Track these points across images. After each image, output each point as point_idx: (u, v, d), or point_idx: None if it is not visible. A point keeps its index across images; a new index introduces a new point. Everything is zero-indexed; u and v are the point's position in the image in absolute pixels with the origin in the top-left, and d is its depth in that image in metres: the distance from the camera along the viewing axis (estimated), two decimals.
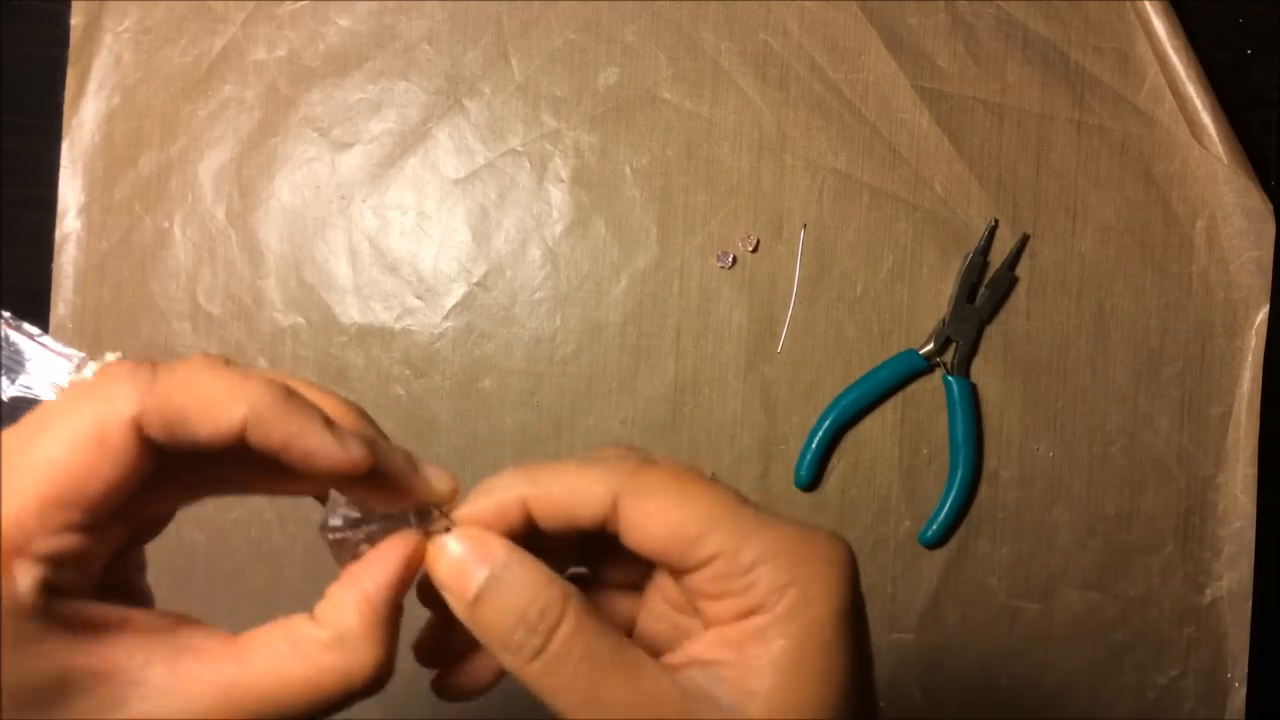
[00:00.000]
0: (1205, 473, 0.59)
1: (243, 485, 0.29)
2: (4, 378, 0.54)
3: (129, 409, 0.24)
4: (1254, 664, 0.58)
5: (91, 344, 0.58)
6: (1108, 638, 0.58)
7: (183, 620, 0.26)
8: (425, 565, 0.28)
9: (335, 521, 0.28)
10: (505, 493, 0.28)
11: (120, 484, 0.24)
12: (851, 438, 0.58)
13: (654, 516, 0.27)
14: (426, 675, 0.33)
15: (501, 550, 0.27)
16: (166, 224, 0.58)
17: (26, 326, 0.59)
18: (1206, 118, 0.58)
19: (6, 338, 0.53)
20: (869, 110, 0.59)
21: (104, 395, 0.25)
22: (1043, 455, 0.59)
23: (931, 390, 0.58)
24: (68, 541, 0.24)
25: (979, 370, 0.58)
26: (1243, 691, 0.58)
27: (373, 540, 0.28)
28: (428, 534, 0.28)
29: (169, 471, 0.26)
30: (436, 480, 0.28)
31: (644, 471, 0.28)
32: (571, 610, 0.26)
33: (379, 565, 0.27)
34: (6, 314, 0.51)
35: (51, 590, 0.24)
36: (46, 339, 0.59)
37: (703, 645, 0.27)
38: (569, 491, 0.28)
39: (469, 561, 0.27)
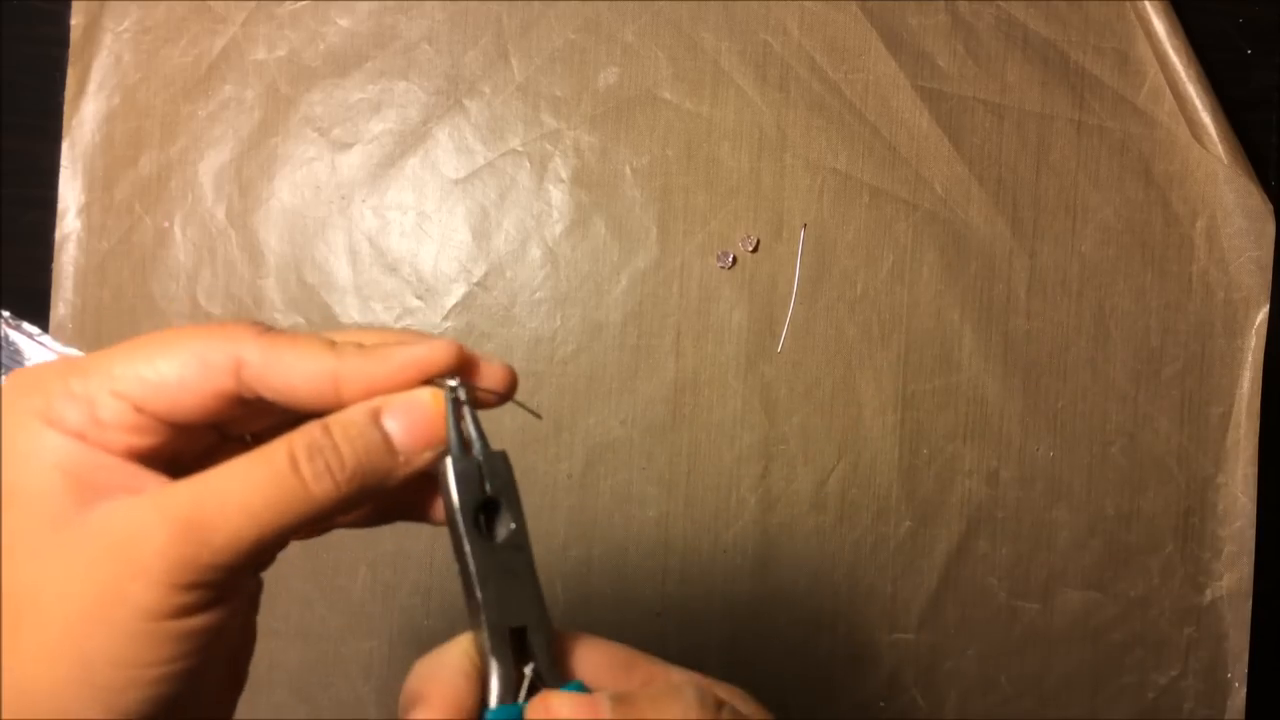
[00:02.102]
0: (1205, 473, 0.59)
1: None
2: (4, 377, 0.54)
3: (234, 346, 0.28)
4: (1254, 664, 0.58)
5: (91, 344, 0.58)
6: (1108, 638, 0.58)
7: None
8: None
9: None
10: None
11: (203, 404, 0.27)
12: (852, 438, 0.58)
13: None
14: None
15: None
16: (166, 224, 0.58)
17: (26, 326, 0.60)
18: (1206, 118, 0.58)
19: (6, 337, 0.54)
20: (869, 110, 0.59)
21: (214, 333, 0.28)
22: (1043, 455, 0.59)
23: (931, 391, 0.58)
24: (127, 415, 0.27)
25: (979, 370, 0.58)
26: (1243, 691, 0.58)
27: None
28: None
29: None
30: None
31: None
32: None
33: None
34: (6, 314, 0.51)
35: (86, 439, 0.26)
36: (46, 339, 0.59)
37: None
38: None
39: None
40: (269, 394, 0.27)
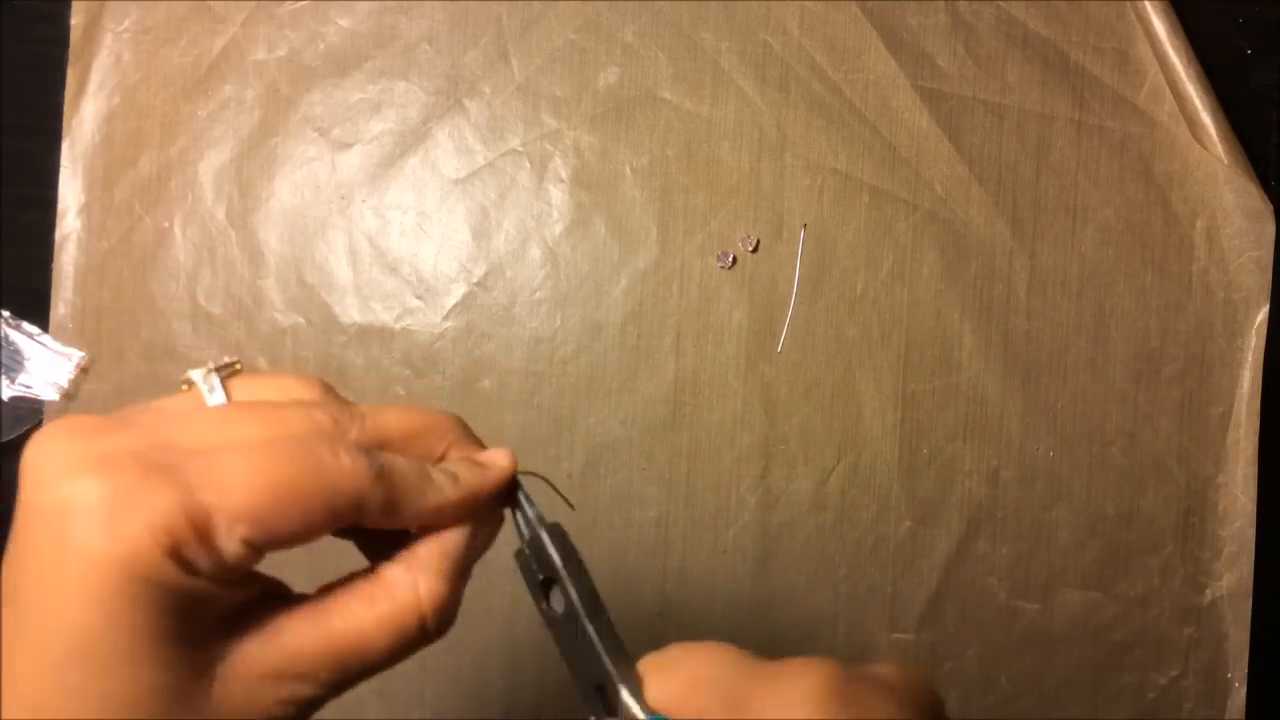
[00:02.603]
0: (1205, 473, 0.59)
1: None
2: (4, 377, 0.54)
3: (359, 484, 0.27)
4: (1254, 664, 0.58)
5: (91, 344, 0.58)
6: (1108, 638, 0.58)
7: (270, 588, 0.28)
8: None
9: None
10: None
11: (319, 530, 0.27)
12: (852, 437, 0.58)
13: None
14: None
15: None
16: (166, 224, 0.58)
17: (26, 326, 0.60)
18: (1206, 118, 0.58)
19: (6, 337, 0.53)
20: (869, 110, 0.59)
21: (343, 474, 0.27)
22: (1043, 455, 0.59)
23: (930, 391, 0.58)
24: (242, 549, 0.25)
25: (979, 370, 0.58)
26: (1243, 691, 0.58)
27: None
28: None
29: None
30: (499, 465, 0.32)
31: None
32: None
33: (456, 531, 0.30)
34: (6, 314, 0.51)
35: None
36: (46, 338, 0.59)
37: None
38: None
39: None
40: (404, 523, 0.29)
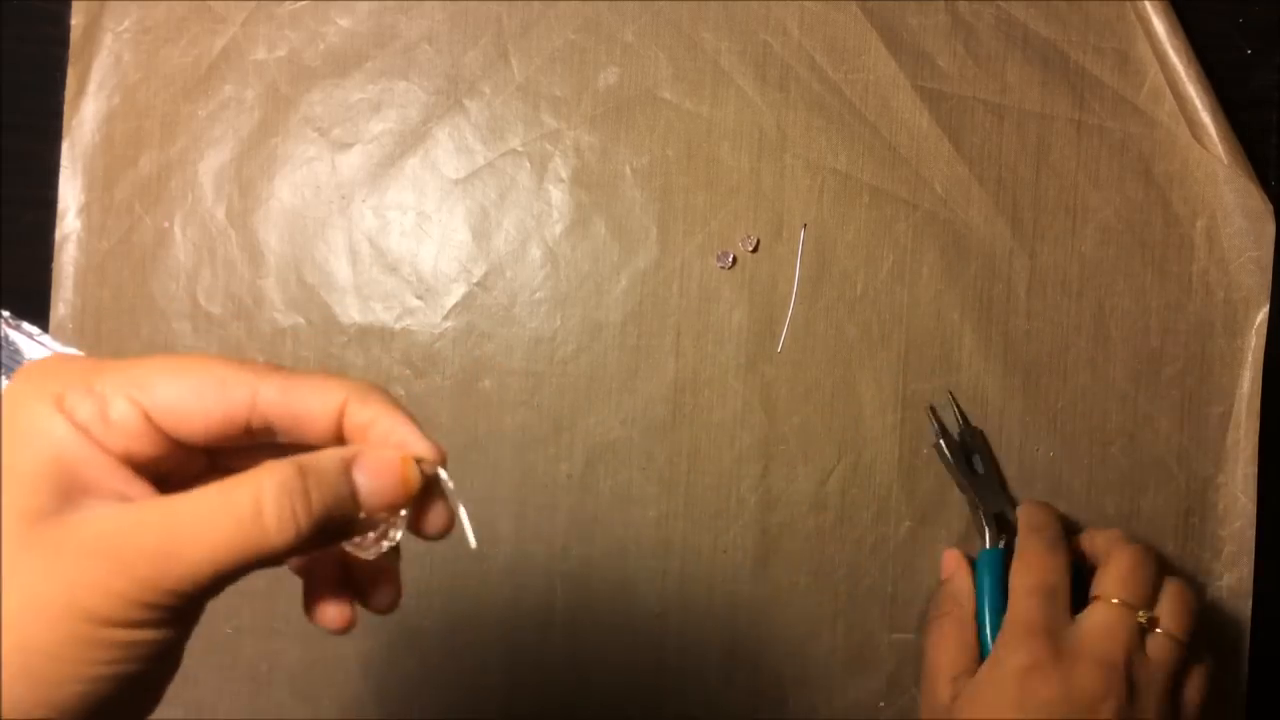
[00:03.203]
0: (1205, 473, 0.59)
1: None
2: (4, 377, 0.54)
3: (253, 378, 0.29)
4: (1254, 664, 0.58)
5: (91, 344, 0.58)
6: None
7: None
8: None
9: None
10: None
11: (214, 426, 0.29)
12: (852, 437, 0.58)
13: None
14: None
15: None
16: (166, 224, 0.58)
17: (26, 326, 0.60)
18: (1206, 118, 0.58)
19: (6, 337, 0.54)
20: (869, 110, 0.59)
21: (235, 367, 0.29)
22: (1043, 455, 0.59)
23: (931, 391, 0.58)
24: (131, 417, 0.28)
25: (979, 370, 0.58)
26: (1243, 691, 0.58)
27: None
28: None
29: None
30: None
31: None
32: None
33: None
34: (6, 313, 0.51)
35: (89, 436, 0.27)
36: (46, 338, 0.59)
37: None
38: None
39: None
40: (280, 424, 0.29)
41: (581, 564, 0.57)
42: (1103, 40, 0.59)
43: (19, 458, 0.27)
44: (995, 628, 0.56)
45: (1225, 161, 0.58)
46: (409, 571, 0.57)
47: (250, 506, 0.26)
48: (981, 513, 0.57)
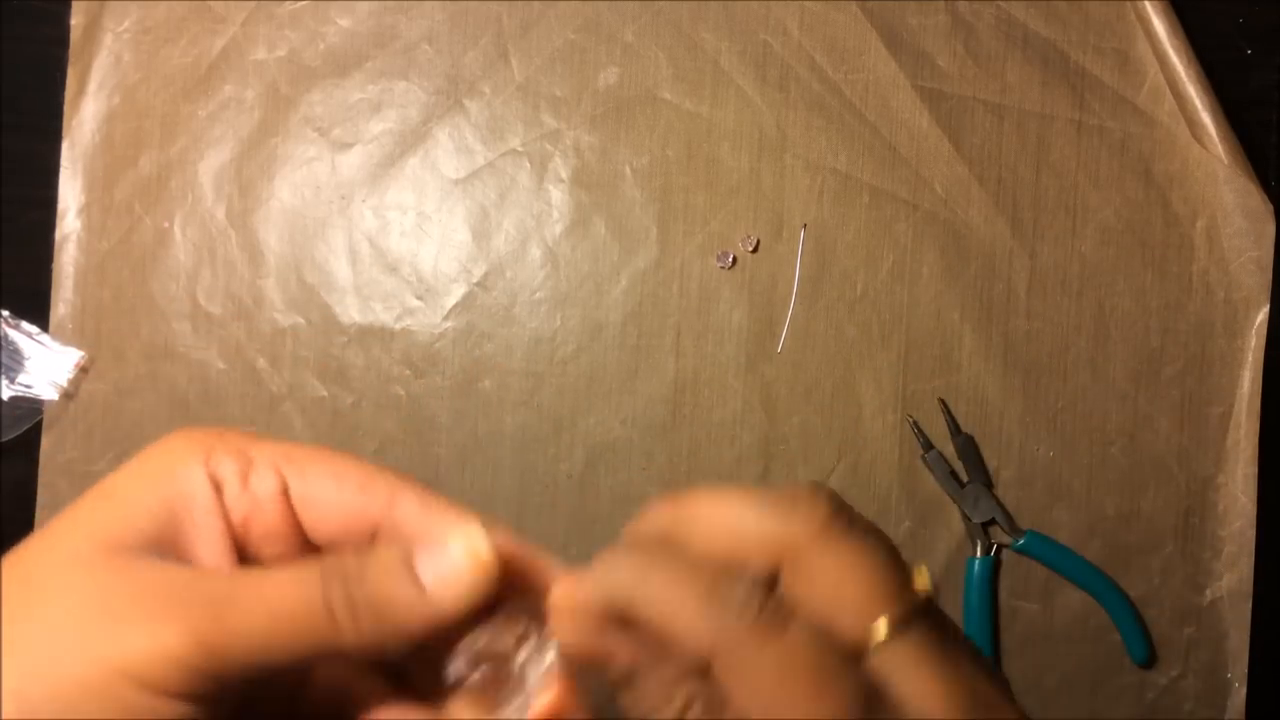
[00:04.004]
0: (1205, 473, 0.59)
1: None
2: (4, 377, 0.54)
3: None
4: (1254, 664, 0.58)
5: (91, 344, 0.58)
6: (1108, 638, 0.58)
7: None
8: None
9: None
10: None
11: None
12: (852, 438, 0.58)
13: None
14: None
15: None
16: (166, 224, 0.58)
17: (26, 326, 0.60)
18: (1206, 118, 0.58)
19: (6, 337, 0.53)
20: (869, 110, 0.59)
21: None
22: (1043, 455, 0.59)
23: (931, 391, 0.58)
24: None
25: (979, 370, 0.58)
26: (1243, 691, 0.58)
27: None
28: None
29: None
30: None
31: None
32: None
33: None
34: (6, 313, 0.51)
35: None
36: (46, 338, 0.59)
37: None
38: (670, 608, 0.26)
39: None
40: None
41: (582, 564, 0.57)
42: (1103, 40, 0.59)
43: (136, 486, 0.26)
44: (982, 641, 0.56)
45: (1225, 161, 0.58)
46: None
47: (319, 600, 0.25)
48: (969, 523, 0.57)
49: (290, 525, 0.28)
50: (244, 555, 0.28)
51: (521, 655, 0.27)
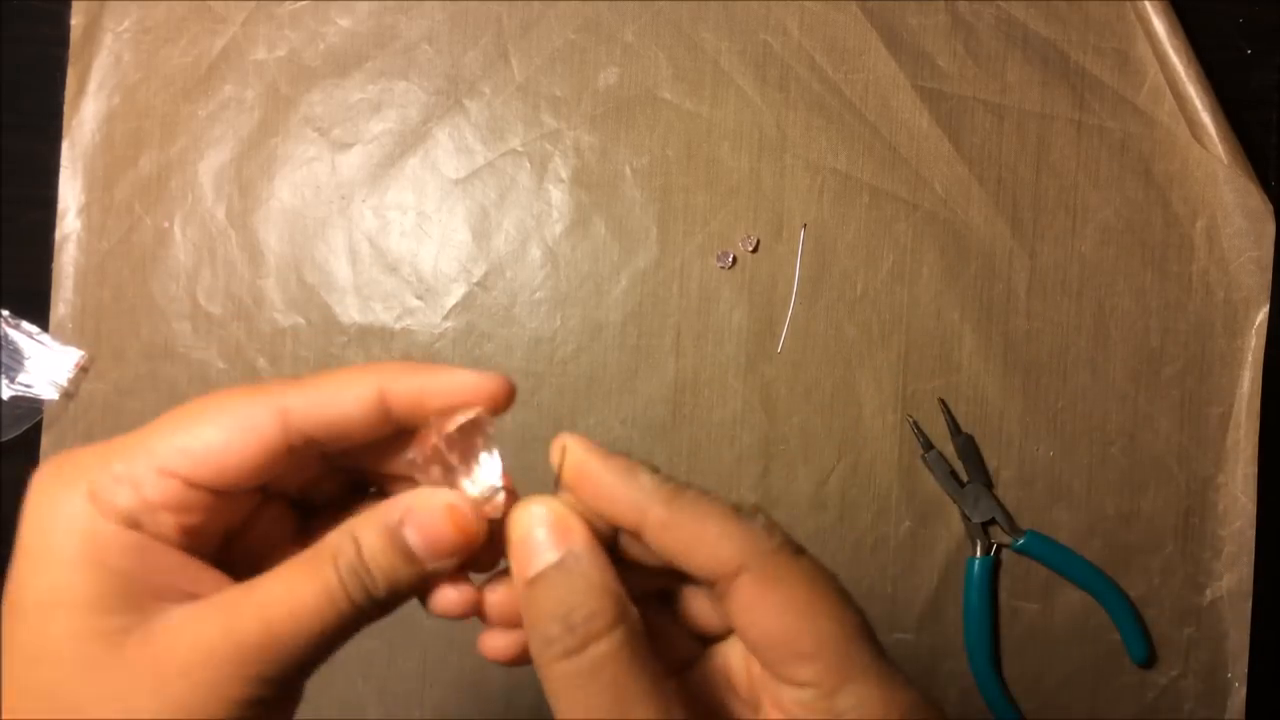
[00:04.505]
0: (1205, 473, 0.59)
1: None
2: (4, 376, 0.54)
3: (275, 400, 0.27)
4: (1254, 664, 0.58)
5: (91, 344, 0.58)
6: (1108, 638, 0.58)
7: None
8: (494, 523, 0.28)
9: (418, 456, 0.28)
10: (631, 498, 0.26)
11: (253, 462, 0.26)
12: (851, 438, 0.58)
13: (771, 611, 0.25)
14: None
15: (580, 542, 0.26)
16: (166, 224, 0.58)
17: (26, 326, 0.60)
18: (1206, 118, 0.58)
19: (6, 337, 0.53)
20: (869, 110, 0.59)
21: (254, 393, 0.27)
22: (1043, 455, 0.59)
23: (931, 391, 0.58)
24: (180, 493, 0.26)
25: (979, 370, 0.58)
26: (1243, 691, 0.58)
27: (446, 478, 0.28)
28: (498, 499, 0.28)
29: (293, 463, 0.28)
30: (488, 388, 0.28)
31: (784, 555, 0.26)
32: (621, 630, 0.25)
33: (426, 515, 0.27)
34: (6, 313, 0.51)
35: (141, 526, 0.26)
36: (46, 338, 0.59)
37: None
38: (696, 538, 0.26)
39: (545, 540, 0.26)
40: (319, 433, 0.27)
41: None
42: (1103, 40, 0.59)
43: (75, 577, 0.25)
44: (982, 641, 0.56)
45: (1225, 161, 0.58)
46: None
47: (336, 582, 0.26)
48: (969, 523, 0.57)
49: (218, 499, 0.27)
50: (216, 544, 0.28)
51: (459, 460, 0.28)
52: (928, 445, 0.58)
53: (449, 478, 0.28)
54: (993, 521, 0.58)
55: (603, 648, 0.24)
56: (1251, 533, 0.58)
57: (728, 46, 0.59)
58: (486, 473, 0.28)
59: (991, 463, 0.58)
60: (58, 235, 0.58)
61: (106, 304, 0.58)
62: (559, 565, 0.25)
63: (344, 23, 0.59)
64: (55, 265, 0.58)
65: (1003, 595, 0.58)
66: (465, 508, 0.27)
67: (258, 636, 0.25)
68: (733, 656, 0.29)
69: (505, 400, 0.28)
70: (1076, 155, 0.59)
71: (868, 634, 0.25)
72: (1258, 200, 0.58)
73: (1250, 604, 0.58)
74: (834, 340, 0.59)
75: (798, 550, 0.26)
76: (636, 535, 0.26)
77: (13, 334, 0.57)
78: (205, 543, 0.27)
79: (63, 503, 0.25)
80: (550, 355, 0.58)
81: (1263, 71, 0.61)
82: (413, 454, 0.28)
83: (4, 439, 0.57)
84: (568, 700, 0.25)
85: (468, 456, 0.28)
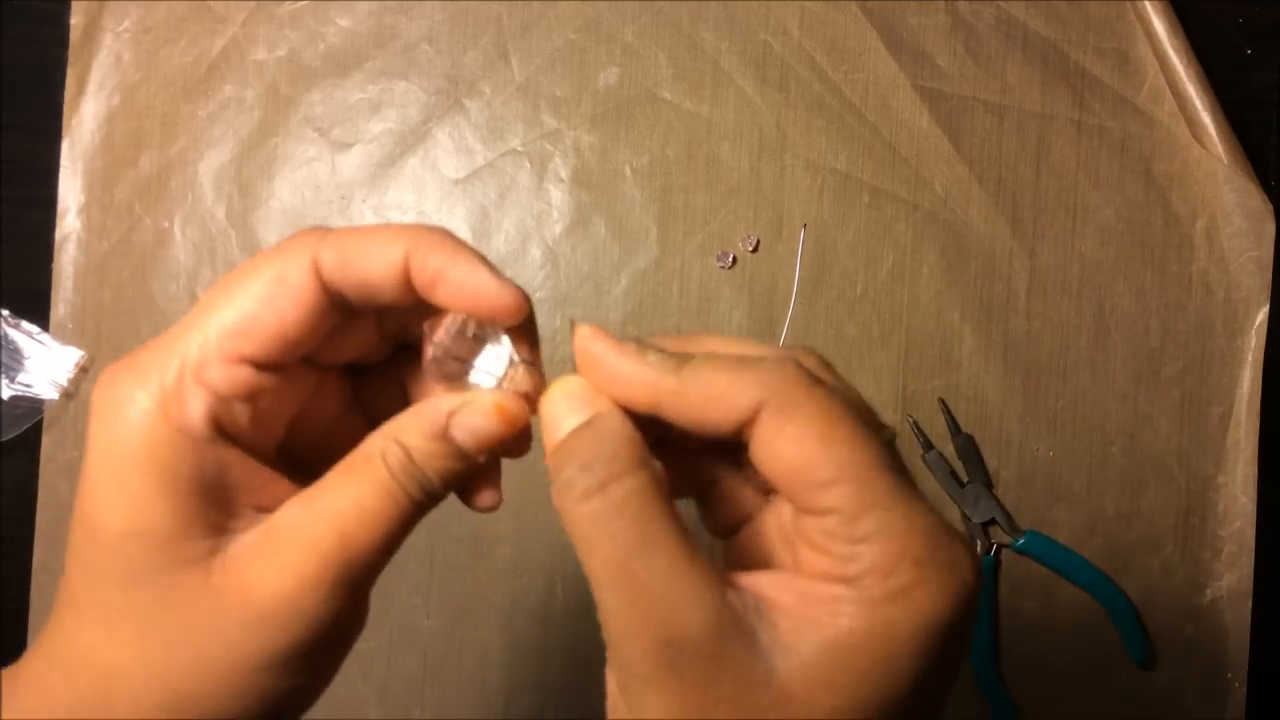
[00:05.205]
0: (1205, 473, 0.59)
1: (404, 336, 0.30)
2: (4, 376, 0.54)
3: (307, 252, 0.26)
4: (1254, 664, 0.58)
5: (91, 344, 0.58)
6: (1108, 638, 0.58)
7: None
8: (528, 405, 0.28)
9: (437, 352, 0.28)
10: (642, 375, 0.26)
11: (297, 320, 0.26)
12: None
13: (789, 443, 0.24)
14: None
15: (603, 404, 0.26)
16: (166, 224, 0.58)
17: (26, 325, 0.60)
18: (1206, 118, 0.58)
19: (6, 336, 0.54)
20: (869, 110, 0.59)
21: (284, 249, 0.27)
22: (1043, 455, 0.59)
23: (931, 391, 0.58)
24: (241, 375, 0.26)
25: (979, 370, 0.58)
26: (1243, 691, 0.58)
27: (469, 373, 0.28)
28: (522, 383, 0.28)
29: (347, 327, 0.28)
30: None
31: (797, 387, 0.25)
32: (642, 474, 0.25)
33: (473, 415, 0.27)
34: (6, 313, 0.51)
35: (219, 425, 0.26)
36: (46, 338, 0.59)
37: (775, 581, 0.25)
38: (711, 394, 0.25)
39: (570, 407, 0.27)
40: (351, 289, 0.27)
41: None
42: (1103, 40, 0.59)
43: (156, 505, 0.25)
44: (982, 640, 0.56)
45: (1225, 161, 0.58)
46: (409, 571, 0.57)
47: (392, 483, 0.26)
48: (969, 523, 0.58)
49: (279, 375, 0.27)
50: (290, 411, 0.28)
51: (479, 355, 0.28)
52: (928, 445, 0.58)
53: (462, 369, 0.28)
54: (993, 521, 0.58)
55: (624, 487, 0.24)
56: (1251, 533, 0.58)
57: (728, 46, 0.59)
58: (494, 358, 0.28)
59: (991, 463, 0.58)
60: (58, 235, 0.58)
61: (106, 304, 0.58)
62: (584, 424, 0.26)
63: (344, 23, 0.59)
64: (55, 265, 0.58)
65: (1003, 595, 0.58)
66: (508, 402, 0.28)
67: (337, 548, 0.25)
68: (769, 521, 0.29)
69: (516, 319, 0.28)
70: (1076, 155, 0.59)
71: (890, 462, 0.25)
72: (1258, 200, 0.58)
73: (1250, 604, 0.58)
74: (834, 340, 0.59)
75: (814, 380, 0.25)
76: (656, 412, 0.26)
77: (13, 334, 0.57)
78: (273, 433, 0.28)
79: (133, 418, 0.26)
80: (550, 355, 0.58)
81: (1263, 71, 0.61)
82: (428, 352, 0.28)
83: (4, 439, 0.57)
84: (588, 542, 0.25)
85: (475, 348, 0.28)
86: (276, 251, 0.27)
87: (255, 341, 0.26)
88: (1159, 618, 0.58)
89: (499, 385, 0.28)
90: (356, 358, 0.30)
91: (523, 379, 0.28)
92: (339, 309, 0.27)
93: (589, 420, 0.26)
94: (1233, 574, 0.58)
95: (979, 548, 0.57)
